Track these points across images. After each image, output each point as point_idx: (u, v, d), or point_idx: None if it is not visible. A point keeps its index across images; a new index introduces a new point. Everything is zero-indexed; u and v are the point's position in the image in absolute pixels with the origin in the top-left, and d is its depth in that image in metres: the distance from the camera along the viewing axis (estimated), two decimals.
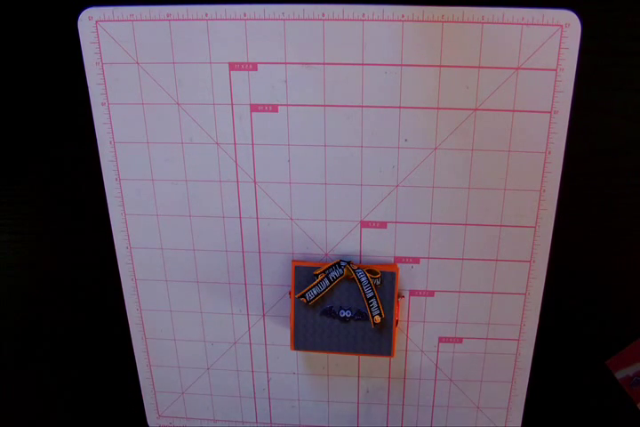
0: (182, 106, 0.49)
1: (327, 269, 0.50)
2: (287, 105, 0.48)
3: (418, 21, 0.44)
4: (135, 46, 0.47)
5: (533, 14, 0.43)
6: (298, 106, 0.48)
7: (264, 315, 0.55)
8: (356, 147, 0.48)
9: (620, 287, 0.52)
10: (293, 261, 0.52)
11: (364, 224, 0.51)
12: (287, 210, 0.51)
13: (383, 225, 0.51)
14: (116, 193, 0.52)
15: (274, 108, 0.48)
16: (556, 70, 0.45)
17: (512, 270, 0.51)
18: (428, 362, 0.55)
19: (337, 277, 0.50)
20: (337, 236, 0.51)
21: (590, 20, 0.43)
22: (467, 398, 0.57)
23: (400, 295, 0.53)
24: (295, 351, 0.56)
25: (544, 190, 0.48)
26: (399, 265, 0.52)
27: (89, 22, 0.47)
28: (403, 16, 0.44)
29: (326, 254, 0.52)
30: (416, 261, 0.52)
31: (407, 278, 0.52)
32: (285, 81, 0.47)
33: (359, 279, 0.49)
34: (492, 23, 0.44)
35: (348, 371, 0.57)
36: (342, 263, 0.50)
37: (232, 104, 0.48)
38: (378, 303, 0.50)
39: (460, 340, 0.54)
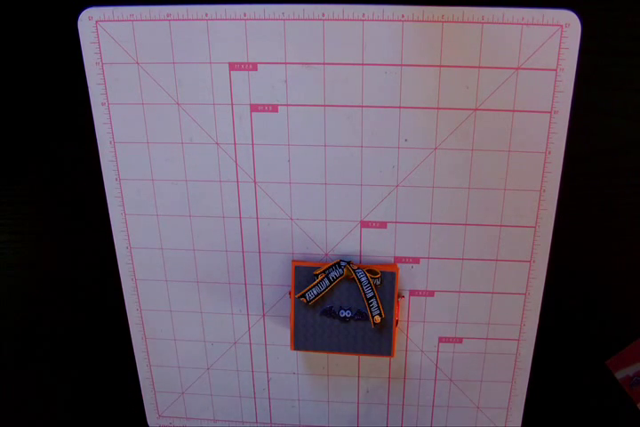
0: (182, 106, 0.49)
1: (327, 269, 0.50)
2: (287, 105, 0.48)
3: (418, 21, 0.44)
4: (135, 46, 0.47)
5: (533, 14, 0.43)
6: (298, 106, 0.48)
7: (264, 315, 0.55)
8: (356, 147, 0.48)
9: (620, 287, 0.52)
10: (293, 261, 0.52)
11: (364, 224, 0.51)
12: (287, 210, 0.51)
13: (383, 225, 0.51)
14: (115, 193, 0.52)
15: (274, 108, 0.48)
16: (556, 70, 0.45)
17: (512, 270, 0.51)
18: (428, 362, 0.55)
19: (337, 277, 0.50)
20: (337, 236, 0.51)
21: (590, 20, 0.43)
22: (467, 398, 0.57)
23: (400, 295, 0.53)
24: (295, 351, 0.56)
25: (544, 190, 0.48)
26: (399, 265, 0.52)
27: (89, 22, 0.47)
28: (403, 16, 0.44)
29: (326, 254, 0.52)
30: (416, 261, 0.52)
31: (407, 278, 0.52)
32: (285, 81, 0.47)
33: (359, 279, 0.49)
34: (492, 23, 0.44)
35: (348, 371, 0.57)
36: (342, 263, 0.50)
37: (232, 104, 0.48)
38: (378, 303, 0.50)
39: (460, 340, 0.54)
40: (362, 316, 0.51)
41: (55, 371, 0.61)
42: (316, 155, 0.49)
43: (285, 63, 0.46)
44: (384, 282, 0.50)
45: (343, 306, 0.51)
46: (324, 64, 0.46)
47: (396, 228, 0.51)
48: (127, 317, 0.57)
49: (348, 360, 0.56)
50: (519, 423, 0.57)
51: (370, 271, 0.50)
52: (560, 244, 0.50)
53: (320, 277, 0.50)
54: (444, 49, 0.45)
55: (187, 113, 0.49)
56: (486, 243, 0.50)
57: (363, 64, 0.46)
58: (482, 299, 0.52)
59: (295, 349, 0.53)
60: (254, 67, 0.47)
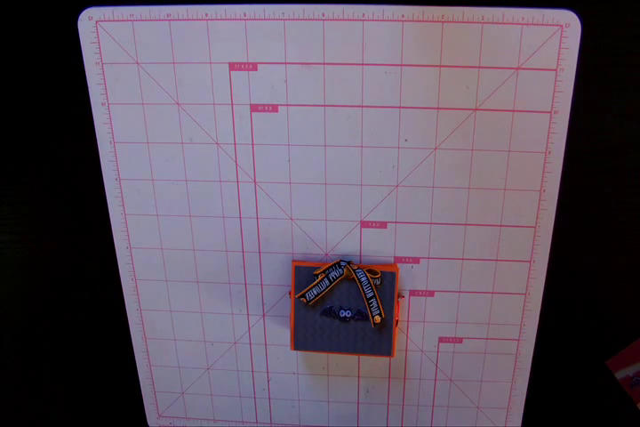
0: (182, 106, 0.49)
1: (327, 269, 0.50)
2: (287, 105, 0.48)
3: (418, 21, 0.44)
4: (135, 46, 0.47)
5: (533, 14, 0.43)
6: (298, 106, 0.48)
7: (264, 315, 0.55)
8: (356, 147, 0.48)
9: (620, 287, 0.52)
10: (293, 261, 0.52)
11: (364, 224, 0.51)
12: (287, 210, 0.51)
13: (383, 225, 0.51)
14: (115, 193, 0.52)
15: (274, 108, 0.48)
16: (556, 70, 0.45)
17: (512, 270, 0.51)
18: (428, 362, 0.55)
19: (337, 277, 0.50)
20: (337, 236, 0.51)
21: (590, 20, 0.43)
22: (467, 398, 0.57)
23: (400, 295, 0.53)
24: (295, 351, 0.56)
25: (544, 190, 0.48)
26: (399, 265, 0.52)
27: (89, 22, 0.47)
28: (403, 16, 0.44)
29: (326, 254, 0.52)
30: (416, 261, 0.52)
31: (407, 278, 0.52)
32: (285, 81, 0.47)
33: (359, 279, 0.49)
34: (492, 23, 0.44)
35: (348, 371, 0.57)
36: (342, 263, 0.50)
37: (232, 104, 0.48)
38: (378, 303, 0.50)
39: (460, 340, 0.54)
40: (362, 316, 0.51)
41: (55, 371, 0.61)
42: (316, 155, 0.49)
43: (285, 63, 0.46)
44: (384, 282, 0.50)
45: (343, 306, 0.51)
46: (324, 64, 0.46)
47: (396, 228, 0.51)
48: (127, 317, 0.57)
49: (348, 360, 0.56)
50: (519, 423, 0.57)
51: (370, 271, 0.50)
52: (560, 244, 0.50)
53: (320, 278, 0.50)
54: (444, 49, 0.45)
55: (187, 113, 0.49)
56: (486, 243, 0.50)
57: (363, 64, 0.46)
58: (482, 299, 0.52)
59: (295, 349, 0.53)
60: (254, 67, 0.47)
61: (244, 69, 0.47)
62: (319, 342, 0.52)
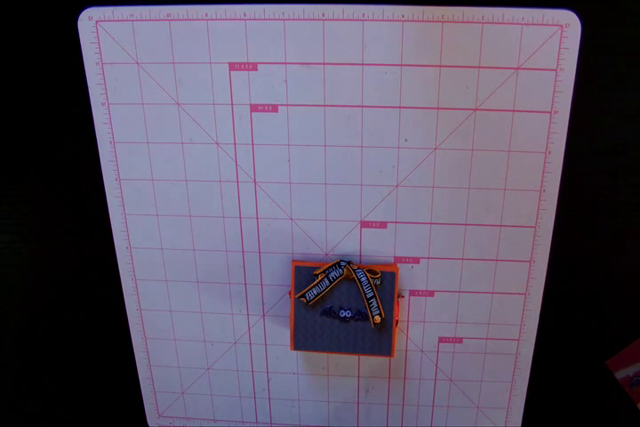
0: (182, 106, 0.49)
1: (327, 269, 0.50)
2: (287, 105, 0.48)
3: (418, 21, 0.44)
4: (135, 46, 0.47)
5: (533, 14, 0.43)
6: (298, 106, 0.48)
7: (264, 315, 0.55)
8: (356, 147, 0.48)
9: (620, 287, 0.52)
10: (293, 261, 0.52)
11: (364, 224, 0.51)
12: (287, 210, 0.51)
13: (383, 225, 0.51)
14: (115, 193, 0.52)
15: (274, 108, 0.48)
16: (556, 70, 0.45)
17: (512, 270, 0.51)
18: (428, 362, 0.55)
19: (337, 278, 0.50)
20: (337, 236, 0.51)
21: (590, 20, 0.43)
22: (467, 398, 0.57)
23: (400, 295, 0.53)
24: (295, 351, 0.56)
25: (544, 190, 0.48)
26: (399, 265, 0.52)
27: (89, 22, 0.47)
28: (403, 16, 0.44)
29: (326, 254, 0.52)
30: (416, 261, 0.52)
31: (407, 278, 0.52)
32: (285, 81, 0.47)
33: (359, 279, 0.49)
34: (492, 23, 0.44)
35: (348, 371, 0.57)
36: (342, 263, 0.50)
37: (232, 104, 0.48)
38: (378, 303, 0.50)
39: (460, 340, 0.54)
40: (362, 316, 0.51)
41: (55, 371, 0.61)
42: (316, 155, 0.49)
43: (285, 63, 0.46)
44: (384, 282, 0.50)
45: (343, 306, 0.51)
46: (324, 64, 0.46)
47: (396, 228, 0.51)
48: (127, 317, 0.57)
49: (348, 360, 0.56)
50: (519, 423, 0.57)
51: (370, 271, 0.50)
52: (560, 244, 0.50)
53: (320, 278, 0.50)
54: (444, 49, 0.45)
55: (187, 113, 0.49)
56: (486, 243, 0.50)
57: (363, 64, 0.46)
58: (482, 299, 0.52)
59: (295, 349, 0.53)
60: (254, 67, 0.47)
61: (244, 69, 0.47)
62: (319, 342, 0.52)
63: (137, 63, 0.48)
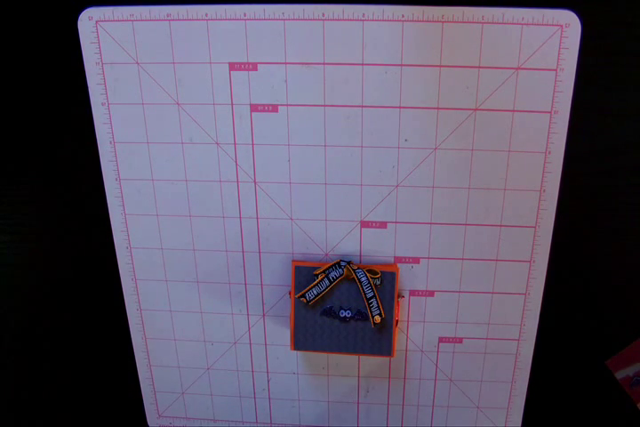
0: (182, 106, 0.49)
1: (327, 269, 0.50)
2: (287, 105, 0.48)
3: (418, 21, 0.44)
4: (135, 46, 0.47)
5: (533, 14, 0.43)
6: (298, 106, 0.48)
7: (264, 315, 0.55)
8: (356, 147, 0.48)
9: (620, 287, 0.52)
10: (293, 261, 0.52)
11: (364, 224, 0.51)
12: (287, 210, 0.51)
13: (383, 225, 0.51)
14: (115, 193, 0.52)
15: (274, 108, 0.48)
16: (556, 70, 0.45)
17: (512, 270, 0.51)
18: (428, 362, 0.55)
19: (337, 278, 0.50)
20: (337, 236, 0.51)
21: (590, 20, 0.43)
22: (467, 398, 0.57)
23: (400, 295, 0.53)
24: (295, 351, 0.56)
25: (544, 190, 0.48)
26: (399, 265, 0.52)
27: (89, 22, 0.47)
28: (403, 16, 0.44)
29: (326, 254, 0.52)
30: (416, 261, 0.52)
31: (407, 278, 0.52)
32: (285, 81, 0.47)
33: (359, 279, 0.49)
34: (492, 23, 0.44)
35: (348, 371, 0.57)
36: (342, 263, 0.50)
37: (232, 104, 0.48)
38: (378, 303, 0.50)
39: (459, 340, 0.54)
40: (362, 316, 0.51)
41: (55, 371, 0.61)
42: (316, 155, 0.49)
43: (285, 63, 0.46)
44: (384, 282, 0.50)
45: (343, 306, 0.51)
46: (324, 64, 0.46)
47: (396, 228, 0.51)
48: (127, 317, 0.57)
49: (348, 360, 0.56)
50: (519, 423, 0.57)
51: (370, 271, 0.50)
52: (560, 244, 0.50)
53: (320, 278, 0.50)
54: (444, 49, 0.45)
55: (187, 113, 0.49)
56: (486, 243, 0.50)
57: (363, 64, 0.46)
58: (482, 299, 0.52)
59: (295, 349, 0.53)
60: (254, 67, 0.47)
61: (244, 69, 0.47)
62: (319, 342, 0.52)
63: (137, 63, 0.48)
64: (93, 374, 0.61)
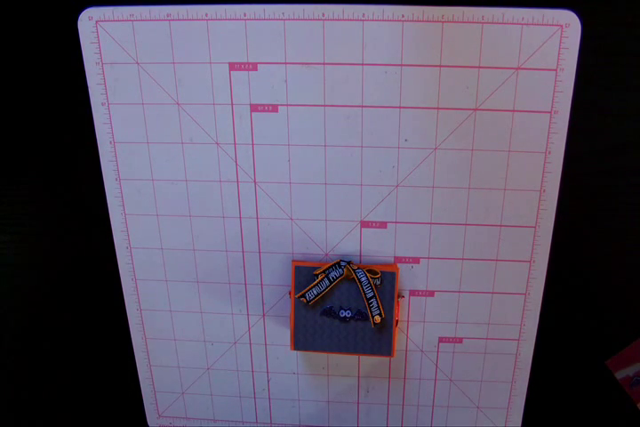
0: (182, 106, 0.49)
1: (327, 269, 0.50)
2: (287, 105, 0.48)
3: (418, 21, 0.44)
4: (135, 46, 0.47)
5: (533, 14, 0.43)
6: (298, 106, 0.48)
7: (264, 315, 0.55)
8: (356, 147, 0.48)
9: (620, 287, 0.52)
10: (293, 261, 0.52)
11: (364, 224, 0.51)
12: (287, 210, 0.51)
13: (383, 225, 0.51)
14: (115, 193, 0.52)
15: (274, 108, 0.48)
16: (556, 70, 0.45)
17: (512, 270, 0.51)
18: (428, 362, 0.55)
19: (337, 278, 0.50)
20: (337, 236, 0.51)
21: (590, 20, 0.43)
22: (467, 398, 0.57)
23: (400, 295, 0.53)
24: (295, 351, 0.56)
25: (544, 190, 0.48)
26: (399, 265, 0.52)
27: (89, 22, 0.47)
28: (403, 16, 0.44)
29: (326, 254, 0.52)
30: (416, 261, 0.52)
31: (407, 278, 0.52)
32: (285, 81, 0.47)
33: (359, 279, 0.49)
34: (492, 23, 0.44)
35: (348, 371, 0.57)
36: (342, 263, 0.50)
37: (232, 104, 0.48)
38: (378, 303, 0.50)
39: (459, 340, 0.54)
40: (362, 316, 0.51)
41: (55, 371, 0.61)
42: (316, 155, 0.49)
43: (285, 63, 0.46)
44: (384, 282, 0.50)
45: (343, 306, 0.51)
46: (324, 64, 0.46)
47: (396, 228, 0.51)
48: (127, 317, 0.57)
49: (348, 360, 0.56)
50: (519, 423, 0.57)
51: (370, 271, 0.50)
52: (560, 244, 0.50)
53: (320, 278, 0.50)
54: (444, 49, 0.45)
55: (187, 113, 0.49)
56: (486, 243, 0.50)
57: (363, 64, 0.46)
58: (482, 299, 0.52)
59: (295, 349, 0.53)
60: (254, 67, 0.47)
61: (244, 69, 0.47)
62: (319, 342, 0.52)
63: (137, 63, 0.48)
64: (93, 374, 0.61)
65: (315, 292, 0.50)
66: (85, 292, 0.57)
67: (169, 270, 0.55)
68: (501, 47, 0.44)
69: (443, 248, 0.51)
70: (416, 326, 0.54)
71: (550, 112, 0.46)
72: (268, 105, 0.48)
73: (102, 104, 0.49)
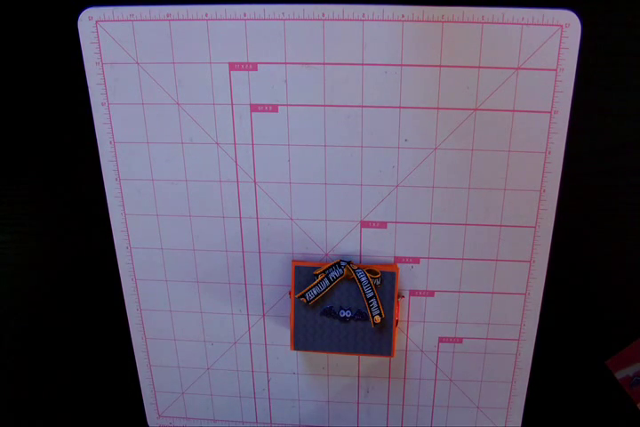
0: (182, 106, 0.49)
1: (327, 269, 0.50)
2: (287, 105, 0.48)
3: (418, 21, 0.44)
4: (135, 46, 0.47)
5: (533, 14, 0.43)
6: (298, 106, 0.48)
7: (264, 315, 0.55)
8: (356, 147, 0.48)
9: (620, 287, 0.52)
10: (293, 261, 0.52)
11: (364, 224, 0.51)
12: (287, 210, 0.51)
13: (383, 225, 0.51)
14: (115, 193, 0.52)
15: (274, 108, 0.48)
16: (556, 70, 0.45)
17: (512, 270, 0.51)
18: (428, 362, 0.55)
19: (337, 278, 0.50)
20: (337, 236, 0.51)
21: (590, 20, 0.43)
22: (467, 398, 0.57)
23: (400, 295, 0.53)
24: (295, 351, 0.56)
25: (544, 190, 0.48)
26: (399, 265, 0.52)
27: (89, 22, 0.47)
28: (403, 16, 0.44)
29: (326, 254, 0.52)
30: (416, 261, 0.52)
31: (407, 278, 0.52)
32: (285, 81, 0.47)
33: (359, 279, 0.49)
34: (492, 23, 0.44)
35: (348, 371, 0.57)
36: (342, 263, 0.50)
37: (232, 104, 0.48)
38: (378, 303, 0.50)
39: (459, 340, 0.54)
40: (362, 316, 0.51)
41: (55, 371, 0.61)
42: (316, 155, 0.49)
43: (285, 63, 0.46)
44: (384, 282, 0.50)
45: (343, 306, 0.51)
46: (324, 64, 0.46)
47: (396, 228, 0.51)
48: (127, 317, 0.57)
49: (348, 360, 0.56)
50: (519, 423, 0.57)
51: (370, 271, 0.50)
52: (560, 244, 0.50)
53: (320, 278, 0.50)
54: (444, 49, 0.45)
55: (187, 113, 0.49)
56: (486, 243, 0.50)
57: (363, 64, 0.46)
58: (482, 299, 0.52)
59: (295, 349, 0.53)
60: (254, 67, 0.47)
61: (244, 69, 0.47)
62: (319, 342, 0.52)
63: (137, 63, 0.48)
64: (93, 374, 0.61)
65: (315, 292, 0.50)
66: (85, 292, 0.57)
67: (169, 270, 0.55)
68: (501, 47, 0.44)
69: (443, 248, 0.51)
70: (416, 326, 0.54)
71: (550, 112, 0.46)
72: (268, 105, 0.48)
73: (102, 104, 0.49)
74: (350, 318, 0.51)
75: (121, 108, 0.49)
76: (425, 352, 0.55)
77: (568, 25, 0.43)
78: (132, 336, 0.58)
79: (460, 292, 0.52)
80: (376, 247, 0.51)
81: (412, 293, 0.53)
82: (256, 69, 0.47)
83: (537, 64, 0.44)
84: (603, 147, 0.47)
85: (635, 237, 0.50)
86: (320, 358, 0.56)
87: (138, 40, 0.47)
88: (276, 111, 0.48)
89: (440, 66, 0.45)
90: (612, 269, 0.51)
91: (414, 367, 0.56)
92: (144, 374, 0.60)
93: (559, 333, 0.54)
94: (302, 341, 0.52)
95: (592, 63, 0.44)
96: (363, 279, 0.49)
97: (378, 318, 0.50)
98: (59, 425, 0.64)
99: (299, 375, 0.58)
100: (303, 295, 0.50)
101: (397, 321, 0.52)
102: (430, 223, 0.50)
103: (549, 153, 0.47)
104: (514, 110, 0.46)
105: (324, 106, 0.47)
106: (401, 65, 0.45)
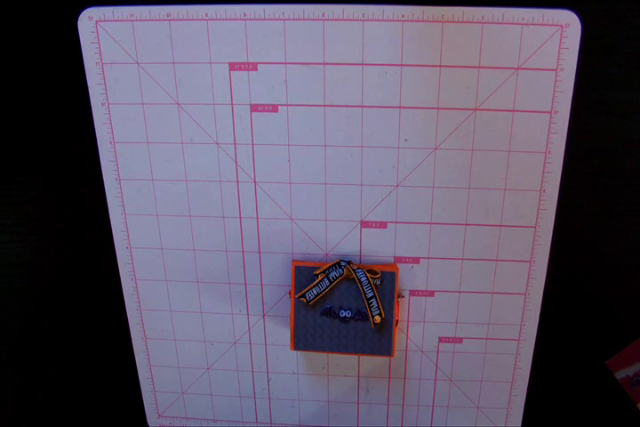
0: (182, 106, 0.49)
1: (327, 269, 0.50)
2: (287, 105, 0.48)
3: (418, 21, 0.44)
4: (135, 46, 0.47)
5: (533, 14, 0.43)
6: (298, 106, 0.48)
7: (264, 315, 0.55)
8: (356, 147, 0.48)
9: (620, 287, 0.52)
10: (293, 261, 0.52)
11: (364, 224, 0.51)
12: (287, 210, 0.51)
13: (383, 225, 0.51)
14: (115, 193, 0.52)
15: (274, 108, 0.48)
16: (556, 70, 0.45)
17: (512, 270, 0.51)
18: (428, 362, 0.55)
19: (337, 278, 0.50)
20: (337, 236, 0.51)
21: (590, 20, 0.43)
22: (467, 398, 0.57)
23: (400, 295, 0.53)
24: (295, 351, 0.56)
25: (544, 190, 0.48)
26: (399, 265, 0.52)
27: (89, 22, 0.47)
28: (403, 16, 0.44)
29: (326, 254, 0.52)
30: (416, 261, 0.52)
31: (407, 278, 0.52)
32: (285, 81, 0.47)
33: (359, 279, 0.49)
34: (492, 23, 0.44)
35: (347, 371, 0.57)
36: (342, 263, 0.50)
37: (232, 104, 0.48)
38: (378, 303, 0.50)
39: (459, 340, 0.54)
40: (362, 316, 0.51)
41: (55, 371, 0.61)
42: (316, 155, 0.49)
43: (285, 63, 0.46)
44: (384, 282, 0.50)
45: (343, 306, 0.51)
46: (324, 64, 0.46)
47: (396, 228, 0.51)
48: (127, 317, 0.57)
49: (348, 360, 0.56)
50: (519, 423, 0.57)
51: (370, 271, 0.50)
52: (560, 244, 0.50)
53: (320, 278, 0.50)
54: (444, 49, 0.45)
55: (187, 113, 0.49)
56: (486, 243, 0.50)
57: (363, 64, 0.46)
58: (482, 299, 0.52)
59: (295, 349, 0.53)
60: (254, 67, 0.47)
61: (244, 69, 0.47)
62: (319, 342, 0.52)
63: (137, 63, 0.48)
64: (93, 374, 0.61)
65: (315, 292, 0.50)
66: (85, 292, 0.57)
67: (169, 270, 0.55)
68: (501, 47, 0.44)
69: (443, 248, 0.51)
70: (416, 326, 0.54)
71: (550, 112, 0.46)
72: (268, 105, 0.48)
73: (102, 104, 0.49)
74: (350, 318, 0.51)
75: (121, 108, 0.49)
76: (425, 352, 0.55)
77: (568, 25, 0.43)
78: (132, 336, 0.58)
79: (459, 292, 0.52)
80: (376, 247, 0.51)
81: (412, 293, 0.53)
82: (256, 69, 0.47)
83: (537, 64, 0.44)
84: (603, 147, 0.47)
85: (635, 237, 0.50)
86: (320, 358, 0.56)
87: (138, 40, 0.47)
88: (276, 111, 0.48)
89: (440, 66, 0.45)
90: (612, 269, 0.51)
91: (414, 367, 0.56)
92: (144, 375, 0.60)
93: (559, 333, 0.54)
94: (302, 341, 0.52)
95: (592, 63, 0.44)
96: (363, 279, 0.49)
97: (378, 318, 0.50)
98: (59, 425, 0.64)
99: (299, 375, 0.58)
100: (303, 295, 0.50)
101: (397, 321, 0.52)
102: (430, 223, 0.50)
103: (549, 153, 0.47)
104: (514, 110, 0.46)
105: (324, 106, 0.47)
106: (401, 65, 0.45)
